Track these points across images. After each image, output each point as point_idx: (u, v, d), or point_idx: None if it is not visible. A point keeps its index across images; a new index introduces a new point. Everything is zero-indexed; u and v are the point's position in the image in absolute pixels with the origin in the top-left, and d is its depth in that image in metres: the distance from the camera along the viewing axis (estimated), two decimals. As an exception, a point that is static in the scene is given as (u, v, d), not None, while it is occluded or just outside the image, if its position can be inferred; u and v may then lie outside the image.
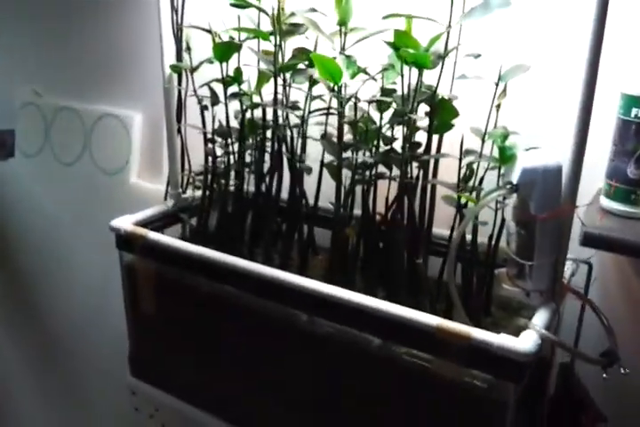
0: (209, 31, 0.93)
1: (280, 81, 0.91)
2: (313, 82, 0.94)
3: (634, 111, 0.80)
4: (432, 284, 0.91)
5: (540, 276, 0.80)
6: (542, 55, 0.90)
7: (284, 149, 0.96)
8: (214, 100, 1.00)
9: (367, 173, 0.92)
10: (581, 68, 0.71)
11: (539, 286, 0.81)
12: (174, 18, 1.01)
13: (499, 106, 0.85)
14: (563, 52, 0.90)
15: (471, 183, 0.87)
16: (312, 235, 1.02)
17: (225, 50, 0.90)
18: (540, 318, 0.80)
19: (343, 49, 0.86)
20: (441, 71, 0.82)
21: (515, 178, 0.77)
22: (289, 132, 0.95)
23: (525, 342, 0.74)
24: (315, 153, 0.96)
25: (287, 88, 0.88)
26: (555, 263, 0.80)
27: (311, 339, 0.91)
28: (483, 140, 0.84)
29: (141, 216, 1.08)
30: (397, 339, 0.83)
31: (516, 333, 0.87)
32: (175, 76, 1.05)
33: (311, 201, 1.00)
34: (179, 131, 1.10)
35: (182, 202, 1.14)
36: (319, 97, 0.89)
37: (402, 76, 0.83)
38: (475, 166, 0.86)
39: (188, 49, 0.99)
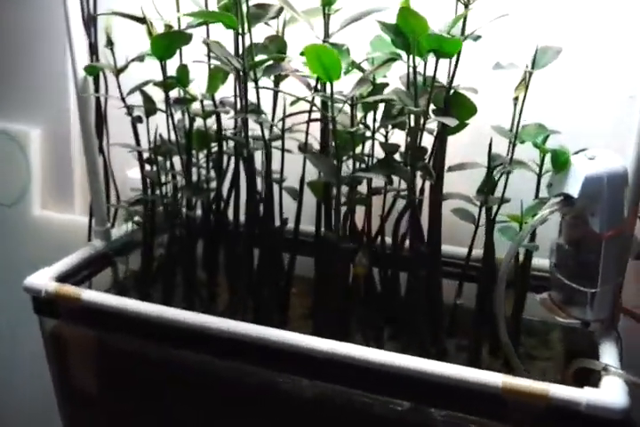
0: (141, 19, 0.70)
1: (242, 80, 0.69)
2: (279, 79, 0.74)
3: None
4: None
5: (604, 303, 0.66)
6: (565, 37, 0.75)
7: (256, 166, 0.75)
8: (150, 108, 0.77)
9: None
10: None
11: (601, 314, 0.67)
12: (85, 4, 0.77)
13: (516, 99, 0.69)
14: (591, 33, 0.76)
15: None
16: (292, 269, 0.82)
17: (168, 43, 0.67)
18: (610, 354, 0.66)
19: (327, 36, 0.66)
20: (457, 59, 0.65)
21: (568, 188, 0.62)
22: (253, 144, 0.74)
23: (616, 394, 0.59)
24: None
25: (257, 89, 0.67)
26: (617, 287, 0.66)
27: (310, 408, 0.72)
28: (513, 144, 0.67)
29: (64, 267, 0.83)
30: (446, 405, 0.66)
31: (557, 365, 0.75)
32: (90, 79, 0.81)
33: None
34: (100, 150, 0.85)
35: (113, 241, 0.90)
36: (301, 99, 0.69)
37: (414, 67, 0.64)
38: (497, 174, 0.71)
39: (110, 44, 0.74)
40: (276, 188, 0.77)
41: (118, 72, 0.75)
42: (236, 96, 0.73)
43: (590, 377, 0.66)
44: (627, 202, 0.62)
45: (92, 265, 0.88)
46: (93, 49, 0.82)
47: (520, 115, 0.67)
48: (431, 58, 0.65)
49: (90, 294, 0.77)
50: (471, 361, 0.74)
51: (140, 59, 0.75)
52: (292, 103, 0.70)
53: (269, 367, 0.74)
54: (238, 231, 0.80)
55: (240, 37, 0.64)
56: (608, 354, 0.66)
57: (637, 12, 0.75)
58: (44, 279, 0.80)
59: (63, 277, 0.82)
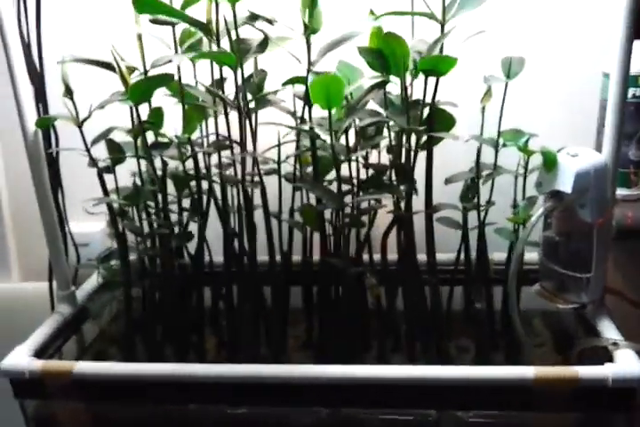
0: (105, 64, 0.66)
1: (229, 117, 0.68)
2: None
3: (631, 91, 0.76)
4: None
5: (597, 285, 0.72)
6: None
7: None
8: (118, 158, 0.73)
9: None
10: (613, 64, 0.64)
11: (595, 296, 0.73)
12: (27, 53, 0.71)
13: (484, 108, 0.74)
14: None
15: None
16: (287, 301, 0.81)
17: (147, 87, 0.64)
18: (610, 330, 0.72)
19: (310, 64, 0.67)
20: (437, 79, 0.68)
21: (559, 184, 0.68)
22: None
23: (634, 364, 0.65)
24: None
25: (252, 125, 0.66)
26: (605, 269, 0.73)
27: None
28: (496, 150, 0.72)
29: (37, 341, 0.76)
30: (476, 406, 0.69)
31: (551, 349, 0.81)
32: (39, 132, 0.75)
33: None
34: (57, 209, 0.79)
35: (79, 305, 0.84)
36: (298, 129, 0.68)
37: (404, 88, 0.67)
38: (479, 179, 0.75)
39: (70, 93, 0.69)
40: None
41: (82, 123, 0.70)
42: (217, 134, 0.71)
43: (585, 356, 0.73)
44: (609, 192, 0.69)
45: (62, 334, 0.81)
46: (39, 98, 0.75)
47: (500, 121, 0.71)
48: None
49: (83, 367, 0.71)
50: (478, 360, 0.78)
51: (101, 106, 0.70)
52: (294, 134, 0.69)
53: (289, 405, 0.73)
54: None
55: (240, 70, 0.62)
56: (609, 330, 0.72)
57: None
58: (22, 358, 0.72)
59: (39, 353, 0.75)
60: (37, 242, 0.92)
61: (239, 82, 0.64)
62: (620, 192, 0.78)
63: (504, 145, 0.72)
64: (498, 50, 0.76)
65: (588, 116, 0.81)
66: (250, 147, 0.70)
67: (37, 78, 0.76)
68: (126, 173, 0.77)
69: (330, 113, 0.64)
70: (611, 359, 0.67)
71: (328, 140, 0.67)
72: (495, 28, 0.76)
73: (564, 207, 0.69)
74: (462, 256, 0.80)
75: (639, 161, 0.79)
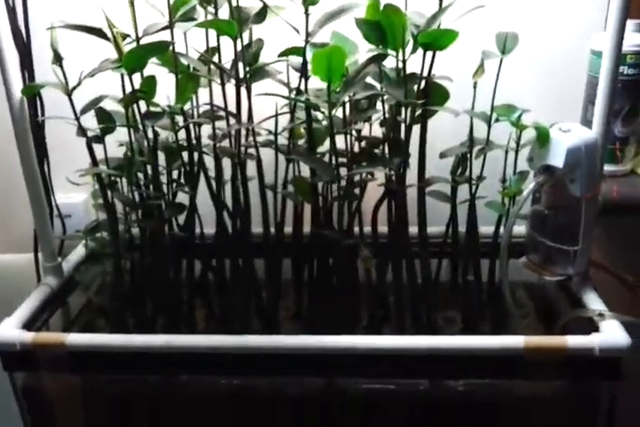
0: (97, 30, 0.64)
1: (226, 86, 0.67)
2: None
3: (620, 69, 0.76)
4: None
5: (583, 258, 0.74)
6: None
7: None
8: (108, 127, 0.71)
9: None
10: (606, 41, 0.65)
11: (581, 268, 0.75)
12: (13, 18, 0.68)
13: (476, 83, 0.75)
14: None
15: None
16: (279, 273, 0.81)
17: (142, 55, 0.63)
18: (596, 302, 0.74)
19: (308, 35, 0.66)
20: (434, 53, 0.68)
21: (550, 159, 0.69)
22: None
23: (619, 334, 0.68)
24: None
25: (249, 95, 0.65)
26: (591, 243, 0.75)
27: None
28: (489, 124, 0.73)
29: (25, 313, 0.75)
30: (466, 375, 0.71)
31: (535, 320, 0.83)
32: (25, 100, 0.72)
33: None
34: (44, 180, 0.77)
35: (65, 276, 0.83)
36: (296, 100, 0.68)
37: (403, 61, 0.66)
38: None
39: (59, 59, 0.67)
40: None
41: (71, 91, 0.68)
42: (212, 104, 0.70)
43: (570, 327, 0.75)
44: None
45: (50, 306, 0.80)
46: (24, 64, 0.73)
47: (493, 96, 0.72)
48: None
49: (75, 338, 0.71)
50: (466, 330, 0.80)
51: (91, 75, 0.68)
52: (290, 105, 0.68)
53: (281, 375, 0.73)
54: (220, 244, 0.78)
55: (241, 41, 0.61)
56: (594, 302, 0.74)
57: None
58: (12, 331, 0.72)
59: (28, 325, 0.75)
60: (18, 213, 0.91)
61: (238, 51, 0.63)
62: (607, 168, 0.80)
63: (497, 120, 0.72)
64: (490, 25, 0.76)
65: (575, 91, 0.82)
66: (245, 118, 0.70)
67: (23, 44, 0.73)
68: (114, 144, 0.76)
69: (329, 85, 0.63)
70: (596, 330, 0.69)
71: (324, 113, 0.67)
72: (489, 3, 0.75)
73: (555, 182, 0.71)
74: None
75: (625, 137, 0.80)
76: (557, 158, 0.68)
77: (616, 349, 0.67)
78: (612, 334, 0.68)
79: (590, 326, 0.71)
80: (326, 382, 0.75)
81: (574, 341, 0.67)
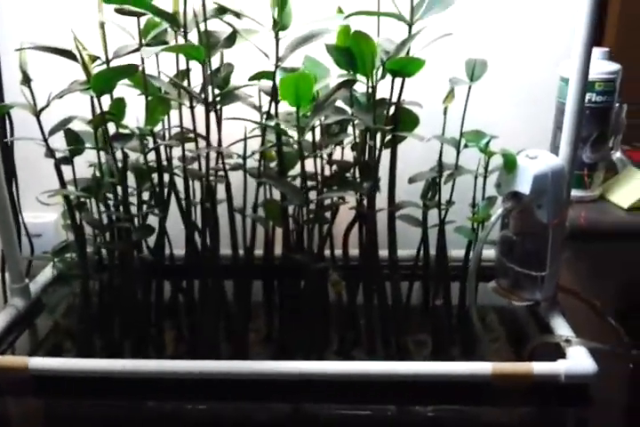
0: (66, 53, 0.64)
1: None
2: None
3: (587, 96, 0.78)
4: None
5: (551, 284, 0.75)
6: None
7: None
8: (77, 149, 0.71)
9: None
10: (572, 68, 0.66)
11: (549, 294, 0.75)
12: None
13: (446, 109, 0.76)
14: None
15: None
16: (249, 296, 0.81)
17: (110, 77, 0.63)
18: (563, 327, 0.75)
19: (279, 60, 0.66)
20: (403, 79, 0.69)
21: (517, 186, 0.69)
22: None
23: (586, 361, 0.68)
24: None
25: (218, 119, 0.65)
26: (559, 268, 0.75)
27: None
28: (458, 150, 0.73)
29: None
30: (434, 400, 0.70)
31: (504, 344, 0.83)
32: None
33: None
34: (11, 200, 0.76)
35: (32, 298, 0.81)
36: (265, 125, 0.68)
37: (373, 87, 0.67)
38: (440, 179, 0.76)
39: (28, 81, 0.67)
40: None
41: (39, 112, 0.68)
42: (182, 127, 0.70)
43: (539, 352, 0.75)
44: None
45: (15, 328, 0.79)
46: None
47: (462, 122, 0.72)
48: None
49: (37, 362, 0.70)
50: (436, 354, 0.80)
51: (59, 96, 0.68)
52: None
53: (249, 400, 0.73)
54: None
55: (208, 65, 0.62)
56: (561, 327, 0.75)
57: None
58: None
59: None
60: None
61: (206, 76, 0.63)
62: (575, 193, 0.81)
63: (465, 146, 0.73)
64: (461, 51, 0.77)
65: (545, 118, 0.84)
66: (214, 141, 0.70)
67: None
68: (84, 164, 0.75)
69: (298, 110, 0.63)
70: (563, 356, 0.69)
71: (294, 137, 0.67)
72: (459, 30, 0.77)
73: (522, 208, 0.71)
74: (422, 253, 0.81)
75: (593, 164, 0.81)
76: (524, 185, 0.68)
77: (582, 375, 0.67)
78: (578, 360, 0.68)
79: (558, 352, 0.71)
80: (294, 407, 0.74)
81: (540, 367, 0.67)
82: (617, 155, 0.87)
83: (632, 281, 0.88)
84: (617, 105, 0.83)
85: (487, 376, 0.67)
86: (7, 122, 0.79)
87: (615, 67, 0.78)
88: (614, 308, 0.81)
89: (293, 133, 0.68)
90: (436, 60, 0.77)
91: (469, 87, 0.72)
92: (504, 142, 0.73)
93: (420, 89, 0.74)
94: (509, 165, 0.68)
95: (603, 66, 0.78)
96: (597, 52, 0.77)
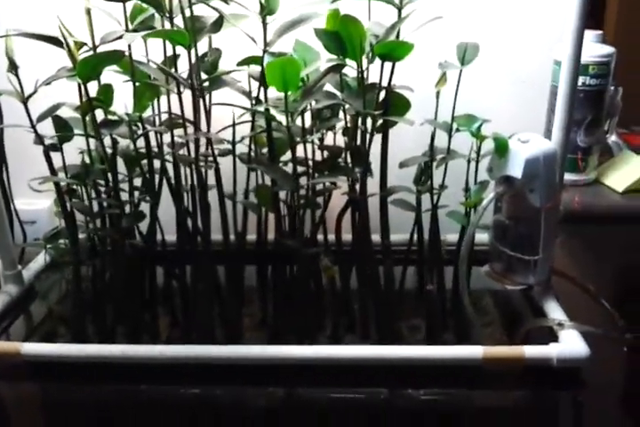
0: (53, 39, 0.63)
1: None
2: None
3: (581, 79, 0.77)
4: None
5: (544, 268, 0.75)
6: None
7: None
8: (66, 135, 0.70)
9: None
10: (565, 51, 0.65)
11: (542, 278, 0.75)
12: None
13: (438, 93, 0.75)
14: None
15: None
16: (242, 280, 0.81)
17: (95, 64, 0.62)
18: (556, 311, 0.75)
19: (267, 45, 0.65)
20: (393, 64, 0.68)
21: (509, 170, 0.69)
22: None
23: (578, 345, 0.68)
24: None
25: (205, 105, 0.64)
26: (552, 252, 0.75)
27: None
28: (450, 134, 0.73)
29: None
30: (427, 384, 0.70)
31: (498, 328, 0.83)
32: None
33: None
34: (2, 187, 0.76)
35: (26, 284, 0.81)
36: (254, 111, 0.67)
37: (361, 72, 0.66)
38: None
39: (14, 68, 0.66)
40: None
41: (27, 99, 0.67)
42: (170, 113, 0.69)
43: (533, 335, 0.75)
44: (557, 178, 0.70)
45: (8, 314, 0.80)
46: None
47: (454, 106, 0.72)
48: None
49: (30, 348, 0.70)
50: (429, 338, 0.80)
51: (47, 83, 0.68)
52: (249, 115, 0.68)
53: (243, 385, 0.73)
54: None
55: (188, 53, 0.61)
56: (554, 311, 0.75)
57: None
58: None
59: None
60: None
61: (192, 61, 0.63)
62: (569, 177, 0.81)
63: (457, 130, 0.72)
64: (453, 35, 0.76)
65: (541, 102, 0.83)
66: (204, 127, 0.69)
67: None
68: (74, 151, 0.75)
69: (286, 95, 0.63)
70: (555, 340, 0.70)
71: (284, 122, 0.67)
72: (451, 14, 0.75)
73: (514, 192, 0.71)
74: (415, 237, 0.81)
75: (588, 147, 0.81)
76: (516, 169, 0.68)
77: (574, 359, 0.67)
78: (570, 344, 0.68)
79: (551, 336, 0.71)
80: (288, 391, 0.75)
81: (532, 351, 0.67)
82: (612, 138, 0.86)
83: (627, 265, 0.87)
84: (612, 88, 0.82)
85: (478, 360, 0.67)
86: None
87: (609, 50, 0.77)
88: (609, 292, 0.81)
89: (283, 119, 0.67)
90: (428, 43, 0.76)
91: (460, 71, 0.71)
92: (498, 127, 0.72)
93: (412, 73, 0.73)
94: (501, 149, 0.68)
95: (596, 49, 0.77)
96: (591, 35, 0.76)
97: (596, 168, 0.83)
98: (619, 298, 0.80)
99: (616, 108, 0.84)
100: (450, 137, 0.73)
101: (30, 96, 0.68)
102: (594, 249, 0.86)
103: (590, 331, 0.70)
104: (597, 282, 0.80)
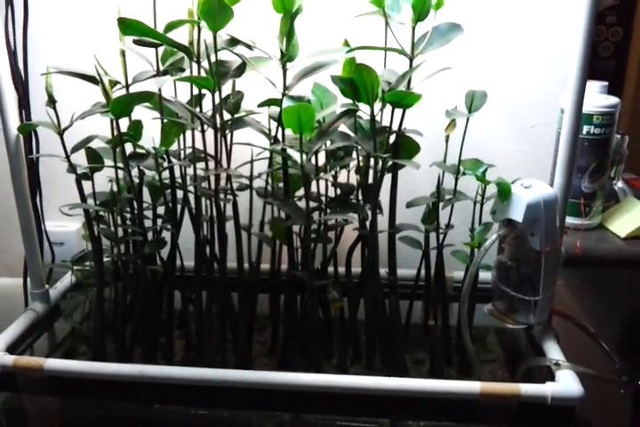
0: (89, 78, 0.69)
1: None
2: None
3: (585, 128, 0.80)
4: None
5: (544, 308, 0.77)
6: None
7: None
8: (96, 166, 0.75)
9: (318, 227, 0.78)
10: (568, 101, 0.68)
11: (542, 318, 0.78)
12: (13, 61, 0.73)
13: (448, 137, 0.79)
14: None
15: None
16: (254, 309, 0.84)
17: (128, 102, 0.67)
18: (554, 351, 0.77)
19: (286, 88, 0.70)
20: (404, 109, 0.72)
21: (511, 213, 0.72)
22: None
23: (573, 384, 0.70)
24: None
25: (227, 144, 0.69)
26: (553, 293, 0.77)
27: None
28: (456, 177, 0.76)
29: (9, 337, 0.79)
30: (427, 416, 0.73)
31: (501, 365, 0.85)
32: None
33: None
34: (35, 210, 0.82)
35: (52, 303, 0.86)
36: (270, 150, 0.72)
37: (372, 116, 0.70)
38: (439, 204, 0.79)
39: (53, 102, 0.72)
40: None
41: (63, 131, 0.73)
42: (194, 148, 0.74)
43: (532, 373, 0.77)
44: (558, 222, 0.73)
45: (34, 331, 0.84)
46: (22, 105, 0.78)
47: (461, 151, 0.75)
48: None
49: (53, 363, 0.74)
50: (432, 372, 0.82)
51: (82, 117, 0.73)
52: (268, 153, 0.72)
53: (251, 408, 0.76)
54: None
55: (212, 96, 0.66)
56: (553, 351, 0.77)
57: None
58: (-7, 352, 0.75)
59: (13, 348, 0.78)
60: (13, 239, 0.95)
61: (216, 102, 0.68)
62: (572, 221, 0.83)
63: (464, 173, 0.76)
64: (464, 82, 0.80)
65: (547, 147, 0.86)
66: (224, 162, 0.74)
67: (22, 86, 0.78)
68: (103, 178, 0.80)
69: (301, 137, 0.67)
70: (552, 379, 0.72)
71: (299, 161, 0.71)
72: (460, 63, 0.79)
73: (516, 235, 0.74)
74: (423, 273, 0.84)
75: (590, 193, 0.83)
76: (518, 213, 0.71)
77: (568, 398, 0.69)
78: (565, 383, 0.70)
79: (549, 375, 0.73)
80: (293, 416, 0.78)
81: (527, 388, 0.69)
82: (619, 184, 0.89)
83: (628, 308, 0.89)
84: (619, 136, 0.85)
85: (476, 395, 0.69)
86: (33, 139, 0.84)
87: (614, 100, 0.80)
88: (609, 334, 0.83)
89: (298, 157, 0.71)
90: (438, 89, 0.80)
91: (467, 118, 0.75)
92: (504, 171, 0.76)
93: (423, 117, 0.77)
94: (503, 193, 0.71)
95: (601, 99, 0.80)
96: (596, 86, 0.79)
97: (601, 213, 0.85)
98: (618, 340, 0.82)
99: (622, 156, 0.87)
100: (456, 180, 0.77)
101: (66, 129, 0.73)
102: (595, 292, 0.87)
103: (586, 372, 0.72)
104: (597, 324, 0.82)
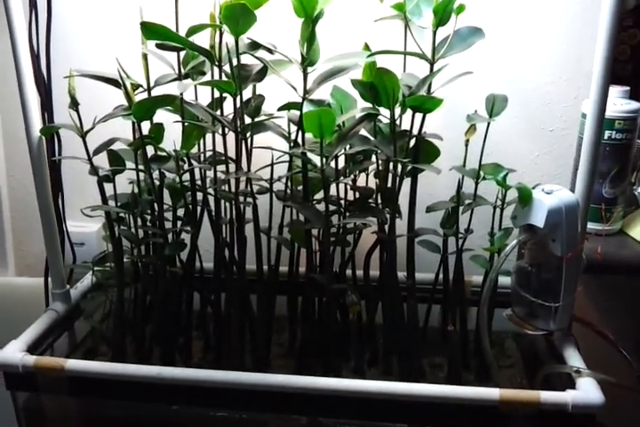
0: (112, 81, 0.70)
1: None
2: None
3: (607, 133, 0.79)
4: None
5: (564, 314, 0.76)
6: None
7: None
8: (118, 168, 0.76)
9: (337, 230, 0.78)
10: (589, 106, 0.68)
11: (562, 324, 0.77)
12: (36, 64, 0.74)
13: (468, 141, 0.78)
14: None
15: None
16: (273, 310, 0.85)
17: (150, 106, 0.68)
18: (575, 358, 0.76)
19: (306, 92, 0.70)
20: (424, 114, 0.72)
21: (532, 219, 0.71)
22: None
23: (593, 392, 0.69)
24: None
25: (247, 148, 0.70)
26: (573, 300, 0.77)
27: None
28: (476, 182, 0.76)
29: (31, 337, 0.80)
30: (445, 422, 0.73)
31: (519, 371, 0.84)
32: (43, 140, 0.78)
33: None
34: (56, 211, 0.83)
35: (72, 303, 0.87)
36: (289, 154, 0.73)
37: (393, 121, 0.70)
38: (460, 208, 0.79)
39: (75, 105, 0.72)
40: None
41: (85, 134, 0.74)
42: (214, 151, 0.75)
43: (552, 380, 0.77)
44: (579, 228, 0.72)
45: (55, 331, 0.85)
46: (45, 107, 0.79)
47: (481, 155, 0.75)
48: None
49: (74, 364, 0.75)
50: (450, 377, 0.82)
51: (103, 120, 0.74)
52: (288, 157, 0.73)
53: (269, 411, 0.77)
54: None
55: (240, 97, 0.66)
56: (573, 358, 0.76)
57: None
58: (16, 353, 0.76)
59: (33, 348, 0.79)
60: (34, 239, 0.96)
61: (237, 106, 0.68)
62: (593, 227, 0.83)
63: (484, 178, 0.75)
64: (483, 86, 0.79)
65: (568, 152, 0.85)
66: (244, 165, 0.74)
67: (44, 88, 0.79)
68: (124, 180, 0.81)
69: (321, 141, 0.67)
70: (573, 386, 0.71)
71: (319, 164, 0.71)
72: (481, 67, 0.79)
73: (537, 240, 0.73)
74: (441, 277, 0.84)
75: (611, 198, 0.83)
76: (539, 218, 0.70)
77: (589, 406, 0.68)
78: (586, 391, 0.70)
79: (569, 382, 0.73)
80: (310, 419, 0.78)
81: (547, 396, 0.68)
82: (639, 190, 0.89)
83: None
84: None
85: (495, 402, 0.69)
86: (56, 141, 0.85)
87: (635, 106, 0.79)
88: (630, 341, 0.82)
89: (318, 161, 0.72)
90: (458, 93, 0.80)
91: (488, 123, 0.75)
92: (525, 175, 0.75)
93: (443, 121, 0.77)
94: (524, 198, 0.71)
95: (623, 104, 0.79)
96: (618, 91, 0.79)
97: (622, 219, 0.84)
98: (638, 348, 0.81)
99: (644, 161, 0.87)
100: (476, 185, 0.76)
101: (89, 131, 0.74)
102: (616, 298, 0.86)
103: (606, 379, 0.71)
104: (618, 331, 0.81)
